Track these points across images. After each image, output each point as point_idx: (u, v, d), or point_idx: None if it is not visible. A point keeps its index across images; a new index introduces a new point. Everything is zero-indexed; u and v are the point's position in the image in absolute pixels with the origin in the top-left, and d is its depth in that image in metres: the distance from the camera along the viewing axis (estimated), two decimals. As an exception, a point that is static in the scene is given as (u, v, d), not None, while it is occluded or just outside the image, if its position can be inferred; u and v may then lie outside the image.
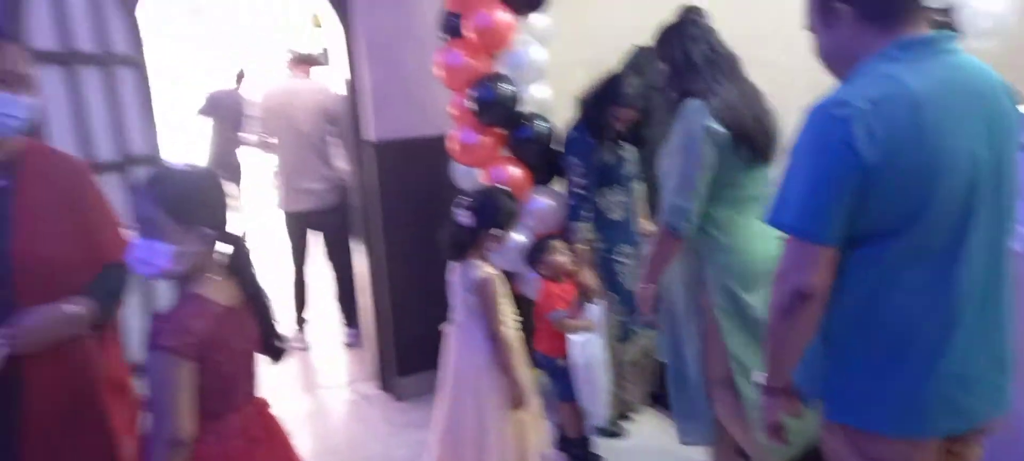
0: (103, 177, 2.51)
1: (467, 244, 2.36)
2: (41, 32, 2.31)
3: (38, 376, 1.60)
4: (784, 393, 1.47)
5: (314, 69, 4.28)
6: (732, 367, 2.16)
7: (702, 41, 2.15)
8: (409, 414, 3.37)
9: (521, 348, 2.43)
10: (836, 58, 1.44)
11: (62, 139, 2.36)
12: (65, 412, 1.66)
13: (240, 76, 5.66)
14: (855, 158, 1.26)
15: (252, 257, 1.61)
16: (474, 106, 2.95)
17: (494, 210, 2.38)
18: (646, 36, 2.40)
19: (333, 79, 3.81)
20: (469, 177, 3.12)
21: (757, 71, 2.24)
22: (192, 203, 1.49)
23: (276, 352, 1.69)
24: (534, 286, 2.91)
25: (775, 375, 1.46)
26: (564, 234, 2.94)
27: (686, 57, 2.14)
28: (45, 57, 2.32)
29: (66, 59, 2.41)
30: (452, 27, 3.04)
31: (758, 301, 2.10)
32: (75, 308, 1.59)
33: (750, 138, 2.07)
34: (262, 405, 1.67)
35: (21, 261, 1.57)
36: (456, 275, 2.43)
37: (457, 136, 3.08)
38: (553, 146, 3.05)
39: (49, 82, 2.33)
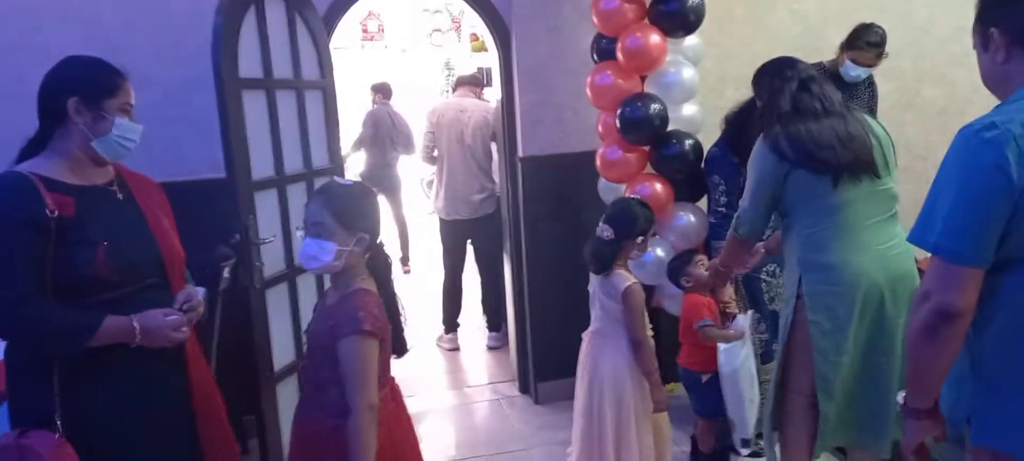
0: (290, 187, 2.90)
1: (610, 257, 2.49)
2: (248, 62, 2.69)
3: (197, 372, 1.91)
4: (928, 415, 1.46)
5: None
6: (818, 384, 2.17)
7: (787, 86, 2.23)
8: (546, 417, 3.54)
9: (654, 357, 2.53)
10: (993, 81, 1.44)
11: (261, 153, 2.73)
12: (210, 404, 1.95)
13: (386, 92, 6.04)
14: (1005, 181, 1.27)
15: (389, 263, 1.95)
16: (620, 124, 3.07)
17: (630, 220, 2.51)
18: (799, 54, 2.43)
19: (493, 99, 4.09)
20: (614, 192, 3.24)
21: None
22: (354, 211, 1.81)
23: (402, 348, 1.99)
24: (675, 301, 2.97)
25: (918, 396, 1.45)
26: (706, 253, 2.98)
27: (770, 98, 2.26)
28: (250, 83, 2.70)
29: (266, 84, 2.79)
30: (603, 50, 3.20)
31: (857, 320, 2.11)
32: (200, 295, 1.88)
33: (819, 162, 2.12)
34: (393, 379, 1.97)
35: (168, 256, 1.83)
36: (596, 285, 2.56)
37: (603, 153, 3.22)
38: (699, 164, 3.11)
39: (253, 105, 2.71)
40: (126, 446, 1.70)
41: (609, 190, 3.29)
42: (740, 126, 2.89)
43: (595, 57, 3.29)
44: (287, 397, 2.76)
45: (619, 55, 3.08)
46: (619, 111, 3.07)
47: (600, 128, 3.27)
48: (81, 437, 1.63)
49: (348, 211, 1.80)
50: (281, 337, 2.79)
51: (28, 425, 1.63)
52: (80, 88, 1.70)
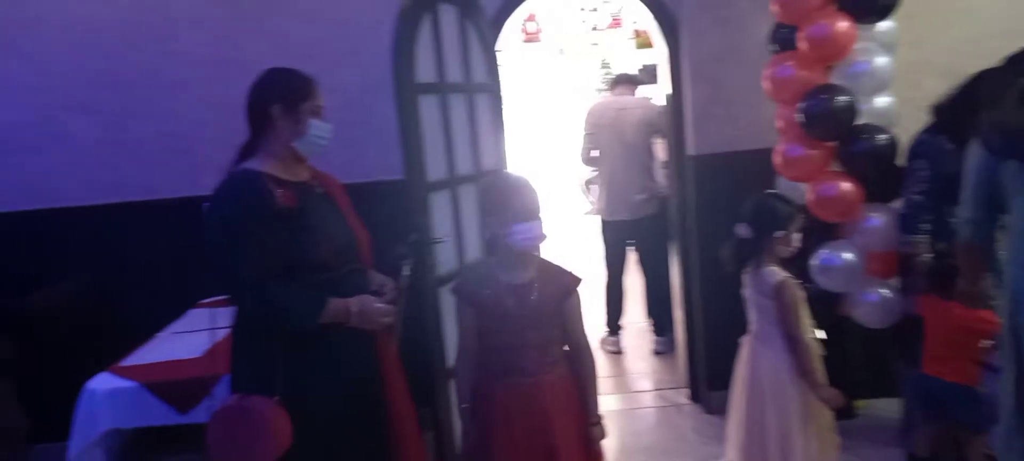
0: (461, 188, 2.96)
1: (747, 256, 2.44)
2: (424, 68, 2.77)
3: (387, 358, 2.04)
4: None
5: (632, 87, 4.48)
6: None
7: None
8: (718, 427, 3.36)
9: (819, 357, 2.38)
10: None
11: (435, 156, 2.81)
12: (398, 389, 2.07)
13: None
14: None
15: None
16: (803, 119, 2.87)
17: (769, 215, 2.42)
18: (1006, 39, 2.14)
19: (658, 95, 3.97)
20: (794, 192, 3.03)
21: None
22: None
23: None
24: (873, 310, 2.74)
25: None
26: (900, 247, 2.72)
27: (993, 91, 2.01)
28: (425, 88, 2.79)
29: (440, 89, 2.86)
30: (783, 39, 3.00)
31: None
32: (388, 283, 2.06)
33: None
34: None
35: (362, 243, 1.99)
36: (749, 285, 2.47)
37: (782, 150, 3.02)
38: (893, 160, 2.84)
39: (428, 108, 2.79)
40: (331, 413, 1.85)
41: (789, 190, 3.08)
42: (960, 106, 2.57)
43: (774, 47, 3.09)
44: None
45: (801, 44, 2.87)
46: (801, 105, 2.87)
47: (779, 123, 3.07)
48: (293, 403, 1.79)
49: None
50: (454, 334, 2.85)
51: (248, 391, 1.80)
52: (280, 95, 1.87)
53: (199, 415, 2.17)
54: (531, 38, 7.21)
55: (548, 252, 2.19)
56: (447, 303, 2.84)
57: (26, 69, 3.24)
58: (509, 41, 7.10)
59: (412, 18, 2.69)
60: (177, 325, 2.79)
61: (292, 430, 1.77)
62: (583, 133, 4.41)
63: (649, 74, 6.07)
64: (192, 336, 2.51)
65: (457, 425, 2.41)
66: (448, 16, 2.90)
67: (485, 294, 2.01)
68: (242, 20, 3.31)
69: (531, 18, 7.13)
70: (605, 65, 7.78)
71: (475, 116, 3.06)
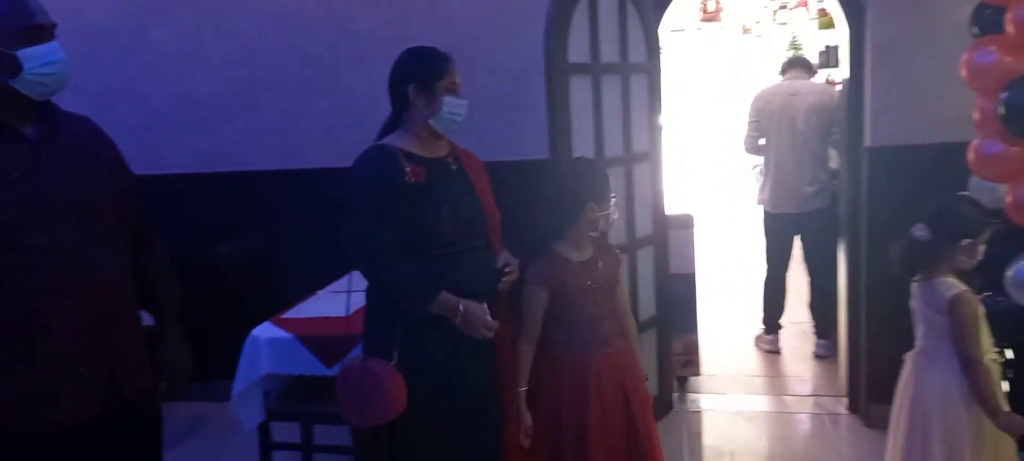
0: (611, 170, 2.92)
1: (921, 261, 2.17)
2: (578, 48, 2.75)
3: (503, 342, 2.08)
4: None
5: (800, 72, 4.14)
6: None
7: None
8: (877, 443, 3.06)
9: (1001, 380, 2.12)
10: None
11: (583, 136, 2.79)
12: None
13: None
14: None
15: None
16: (1004, 111, 2.51)
17: (955, 220, 2.14)
18: None
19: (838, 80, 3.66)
20: (988, 193, 2.67)
21: None
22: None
23: None
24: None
25: None
26: None
27: None
28: (577, 68, 2.77)
29: (593, 69, 2.83)
30: (988, 22, 2.63)
31: None
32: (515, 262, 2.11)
33: None
34: None
35: (491, 219, 2.05)
36: (918, 297, 2.21)
37: (978, 145, 2.66)
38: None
39: (579, 89, 2.78)
40: (444, 385, 1.94)
41: (982, 190, 2.72)
42: None
43: (974, 30, 2.72)
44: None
45: (1009, 27, 2.50)
46: (1003, 95, 2.51)
47: (976, 115, 2.70)
48: (409, 370, 1.89)
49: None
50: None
51: (372, 354, 1.94)
52: (416, 75, 1.94)
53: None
54: (710, 17, 6.90)
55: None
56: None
57: (228, 46, 3.62)
58: (685, 19, 6.86)
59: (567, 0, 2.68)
60: (336, 284, 3.02)
61: (407, 395, 1.86)
62: (747, 120, 4.16)
63: (831, 56, 5.60)
64: (343, 296, 2.70)
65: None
66: (607, -5, 2.86)
67: (566, 274, 2.11)
68: (415, 3, 3.47)
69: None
70: (794, 45, 7.28)
71: (629, 97, 3.00)
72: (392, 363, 1.88)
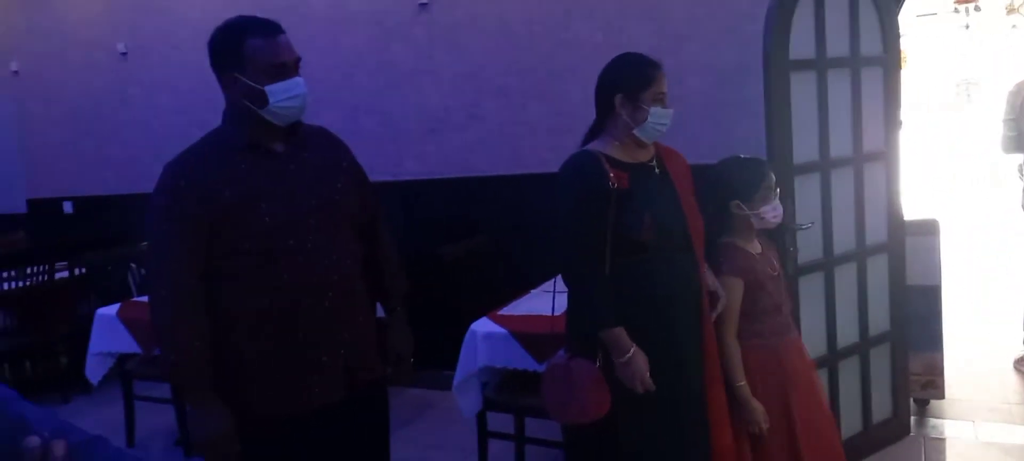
0: (836, 172, 2.72)
1: None
2: (802, 43, 2.61)
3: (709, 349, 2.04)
4: None
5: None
6: None
7: None
8: None
9: None
10: None
11: (806, 136, 2.64)
12: (717, 382, 2.08)
13: None
14: None
15: None
16: None
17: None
18: None
19: None
20: None
21: None
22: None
23: None
24: None
25: None
26: None
27: None
28: (800, 65, 2.62)
29: (818, 65, 2.66)
30: None
31: None
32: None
33: None
34: None
35: (693, 226, 2.03)
36: None
37: None
38: None
39: (802, 85, 2.63)
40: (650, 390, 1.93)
41: None
42: None
43: None
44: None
45: None
46: None
47: None
48: (613, 371, 1.93)
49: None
50: (812, 328, 2.67)
51: (576, 353, 1.99)
52: (623, 86, 1.97)
53: (553, 366, 2.43)
54: (963, 0, 6.10)
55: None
56: (808, 291, 2.67)
57: (457, 60, 3.92)
58: (937, 3, 6.14)
59: (789, -9, 2.56)
60: (546, 284, 3.14)
61: (611, 396, 1.89)
62: (1002, 117, 3.63)
63: None
64: (553, 296, 2.81)
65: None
66: (835, -16, 2.67)
67: (754, 265, 2.17)
68: (629, 6, 3.51)
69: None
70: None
71: (860, 93, 2.77)
72: (596, 364, 1.92)
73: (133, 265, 4.24)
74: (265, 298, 1.73)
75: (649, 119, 1.94)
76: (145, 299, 2.51)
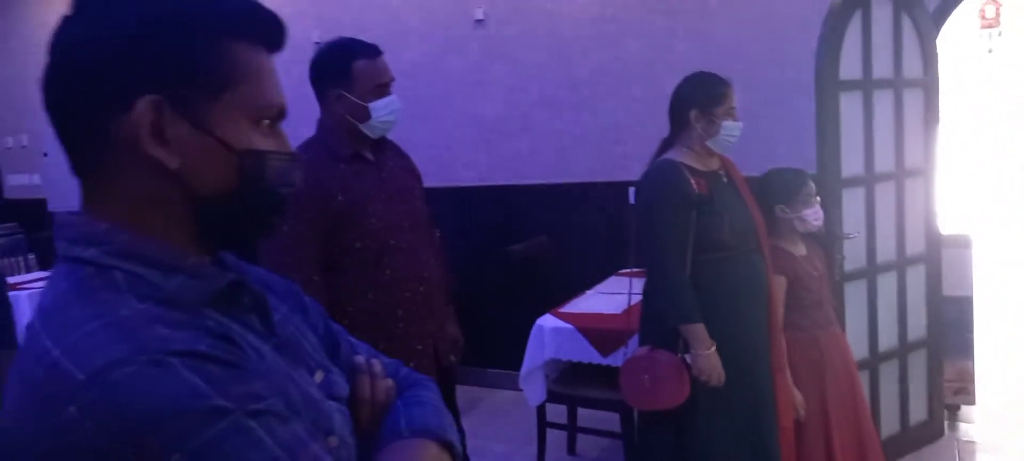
0: (879, 186, 2.91)
1: None
2: (849, 64, 2.80)
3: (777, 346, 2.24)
4: None
5: None
6: None
7: None
8: None
9: None
10: None
11: (852, 152, 2.83)
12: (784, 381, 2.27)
13: None
14: None
15: None
16: None
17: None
18: None
19: None
20: None
21: None
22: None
23: None
24: None
25: None
26: None
27: None
28: (847, 85, 2.81)
29: (864, 85, 2.85)
30: None
31: None
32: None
33: None
34: None
35: (760, 228, 2.21)
36: None
37: None
38: None
39: (849, 104, 2.82)
40: (726, 372, 2.10)
41: None
42: None
43: None
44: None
45: None
46: None
47: None
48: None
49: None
50: (855, 332, 2.84)
51: (658, 346, 2.16)
52: (698, 102, 2.16)
53: (615, 359, 2.61)
54: (990, 23, 6.29)
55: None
56: (852, 297, 2.85)
57: (509, 71, 4.12)
58: (964, 26, 6.31)
59: (841, 16, 2.75)
60: (602, 286, 3.33)
61: (690, 387, 2.08)
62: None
63: None
64: (614, 296, 3.00)
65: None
66: (881, 10, 2.87)
67: (795, 264, 2.36)
68: (678, 26, 3.70)
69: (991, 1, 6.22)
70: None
71: (902, 112, 2.96)
72: (678, 355, 2.10)
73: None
74: (371, 291, 1.93)
75: (722, 131, 2.14)
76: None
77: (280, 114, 0.75)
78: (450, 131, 4.27)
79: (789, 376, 2.27)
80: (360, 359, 0.88)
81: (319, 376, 0.80)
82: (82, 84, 0.67)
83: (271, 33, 0.74)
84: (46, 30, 0.69)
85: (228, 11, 0.71)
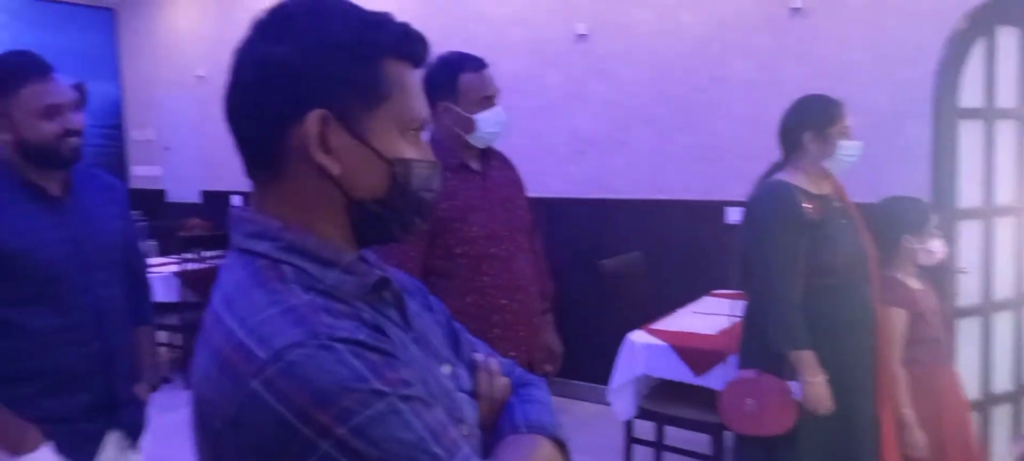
0: (999, 220, 2.77)
1: None
2: (970, 92, 2.69)
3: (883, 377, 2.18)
4: None
5: None
6: None
7: None
8: None
9: None
10: None
11: (970, 182, 2.71)
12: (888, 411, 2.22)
13: None
14: None
15: None
16: None
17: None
18: None
19: None
20: None
21: None
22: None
23: None
24: None
25: None
26: None
27: None
28: (967, 113, 2.70)
29: (985, 114, 2.73)
30: None
31: None
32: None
33: None
34: None
35: (871, 260, 2.16)
36: None
37: None
38: None
39: (969, 133, 2.70)
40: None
41: None
42: None
43: None
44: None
45: None
46: None
47: None
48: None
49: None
50: (969, 370, 2.71)
51: (764, 370, 2.13)
52: (812, 124, 2.13)
53: (710, 380, 2.59)
54: None
55: None
56: (966, 335, 2.72)
57: (607, 87, 4.15)
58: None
59: (963, 42, 2.65)
60: (695, 305, 3.30)
61: (796, 414, 2.05)
62: None
63: None
64: (710, 316, 2.97)
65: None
66: (1007, 38, 2.74)
67: (915, 297, 2.29)
68: (787, 48, 3.64)
69: None
70: None
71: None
72: (784, 381, 2.07)
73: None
74: (469, 296, 1.99)
75: (838, 152, 2.10)
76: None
77: (423, 125, 0.82)
78: (545, 142, 4.33)
79: (912, 413, 2.20)
80: (479, 356, 0.93)
81: (447, 369, 0.85)
82: (263, 98, 0.75)
83: (418, 52, 0.81)
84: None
85: (387, 33, 0.78)
